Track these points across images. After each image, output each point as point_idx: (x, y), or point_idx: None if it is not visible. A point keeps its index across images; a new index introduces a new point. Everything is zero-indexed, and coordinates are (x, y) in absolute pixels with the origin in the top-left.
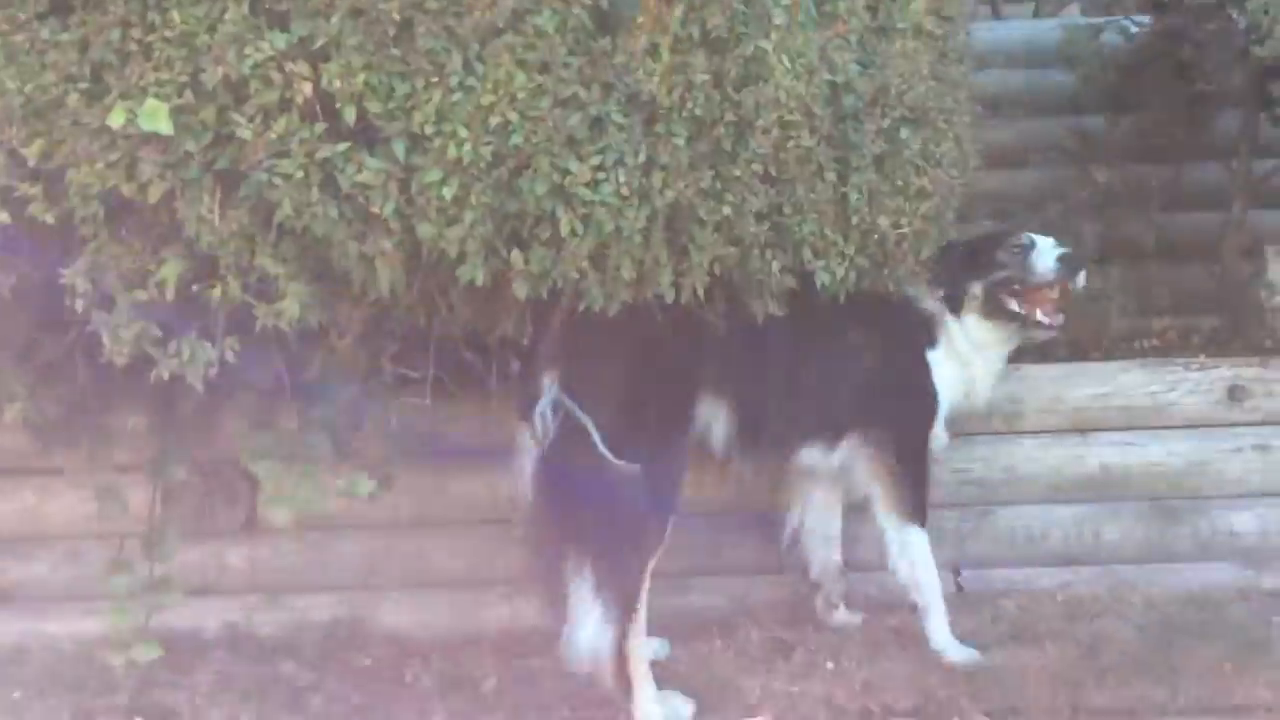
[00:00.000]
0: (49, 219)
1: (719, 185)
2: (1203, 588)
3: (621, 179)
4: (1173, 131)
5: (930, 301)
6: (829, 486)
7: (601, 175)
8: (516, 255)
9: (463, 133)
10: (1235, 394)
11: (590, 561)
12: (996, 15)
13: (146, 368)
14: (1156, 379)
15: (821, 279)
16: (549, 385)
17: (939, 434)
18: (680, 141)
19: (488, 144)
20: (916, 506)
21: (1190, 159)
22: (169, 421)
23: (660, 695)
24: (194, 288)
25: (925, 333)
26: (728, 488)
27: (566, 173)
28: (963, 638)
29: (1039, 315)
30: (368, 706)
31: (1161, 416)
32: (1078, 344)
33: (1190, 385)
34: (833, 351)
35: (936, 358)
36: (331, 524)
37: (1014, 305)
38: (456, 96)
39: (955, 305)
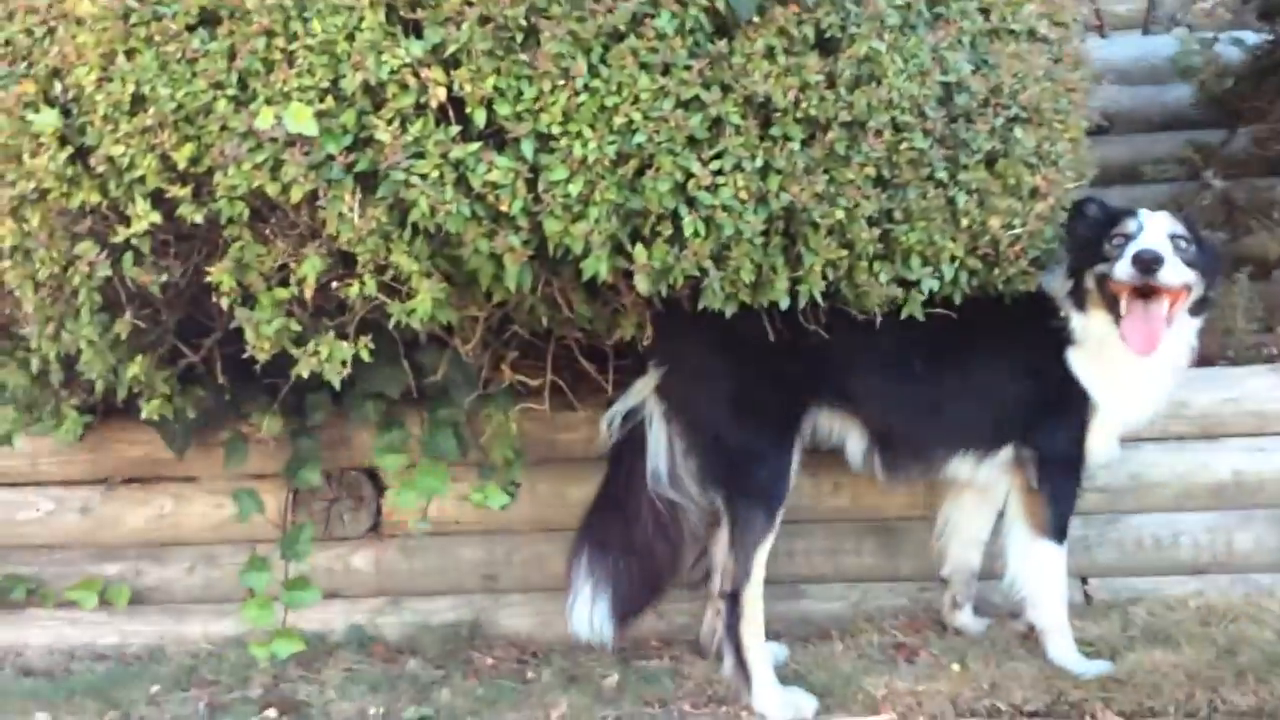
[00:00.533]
0: (198, 219)
1: (832, 189)
2: None
3: (740, 183)
4: None
5: (1059, 291)
6: (981, 491)
7: (721, 179)
8: (640, 250)
9: (587, 133)
10: None
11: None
12: (1102, 35)
13: (282, 376)
14: None
15: (928, 286)
16: (639, 386)
17: (1103, 444)
18: (795, 145)
19: (612, 143)
20: (1053, 521)
21: None
22: (301, 429)
23: (782, 689)
24: (333, 285)
25: (1062, 329)
26: (844, 495)
27: (688, 174)
28: (1091, 644)
29: (1122, 330)
30: (492, 700)
31: None
32: (1201, 351)
33: None
34: (968, 358)
35: (1079, 357)
36: (453, 529)
37: (1121, 308)
38: (581, 98)
39: (1079, 298)
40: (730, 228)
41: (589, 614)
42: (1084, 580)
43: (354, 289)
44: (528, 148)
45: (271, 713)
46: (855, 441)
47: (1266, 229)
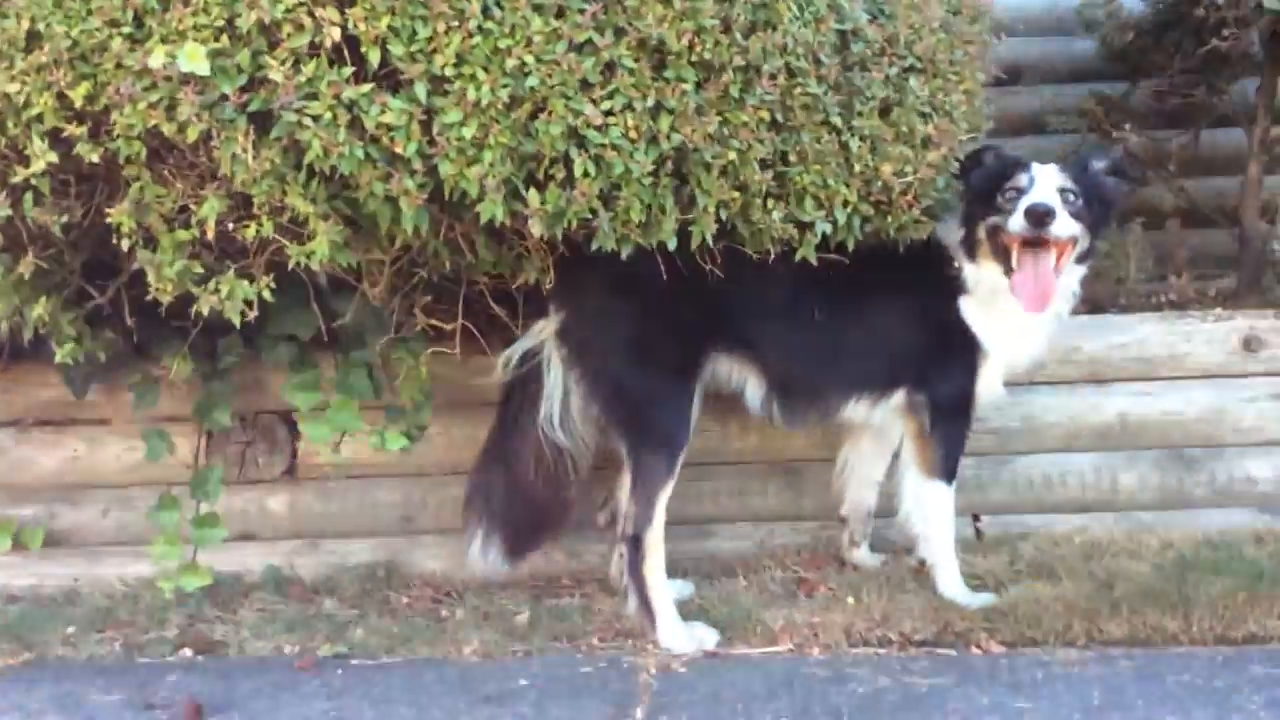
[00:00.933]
0: (94, 158)
1: (725, 131)
2: (1219, 531)
3: (630, 122)
4: (1191, 96)
5: (953, 240)
6: (877, 433)
7: (612, 119)
8: (533, 194)
9: (481, 75)
10: (1251, 344)
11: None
12: None
13: (193, 317)
14: (1173, 330)
15: (821, 228)
16: (538, 328)
17: (989, 388)
18: (689, 86)
19: (505, 86)
20: (942, 462)
21: (1209, 124)
22: (213, 372)
23: (684, 625)
24: (230, 226)
25: (955, 277)
26: (750, 437)
27: (579, 114)
28: (980, 578)
29: (1013, 286)
30: (406, 637)
31: (1177, 367)
32: (1094, 299)
33: (1205, 336)
34: (863, 304)
35: (971, 306)
36: (369, 472)
37: (1012, 260)
38: (475, 40)
39: (970, 248)
40: (620, 166)
41: (483, 556)
42: (976, 517)
43: (251, 230)
44: (421, 90)
45: (187, 652)
46: (754, 387)
47: (1163, 180)
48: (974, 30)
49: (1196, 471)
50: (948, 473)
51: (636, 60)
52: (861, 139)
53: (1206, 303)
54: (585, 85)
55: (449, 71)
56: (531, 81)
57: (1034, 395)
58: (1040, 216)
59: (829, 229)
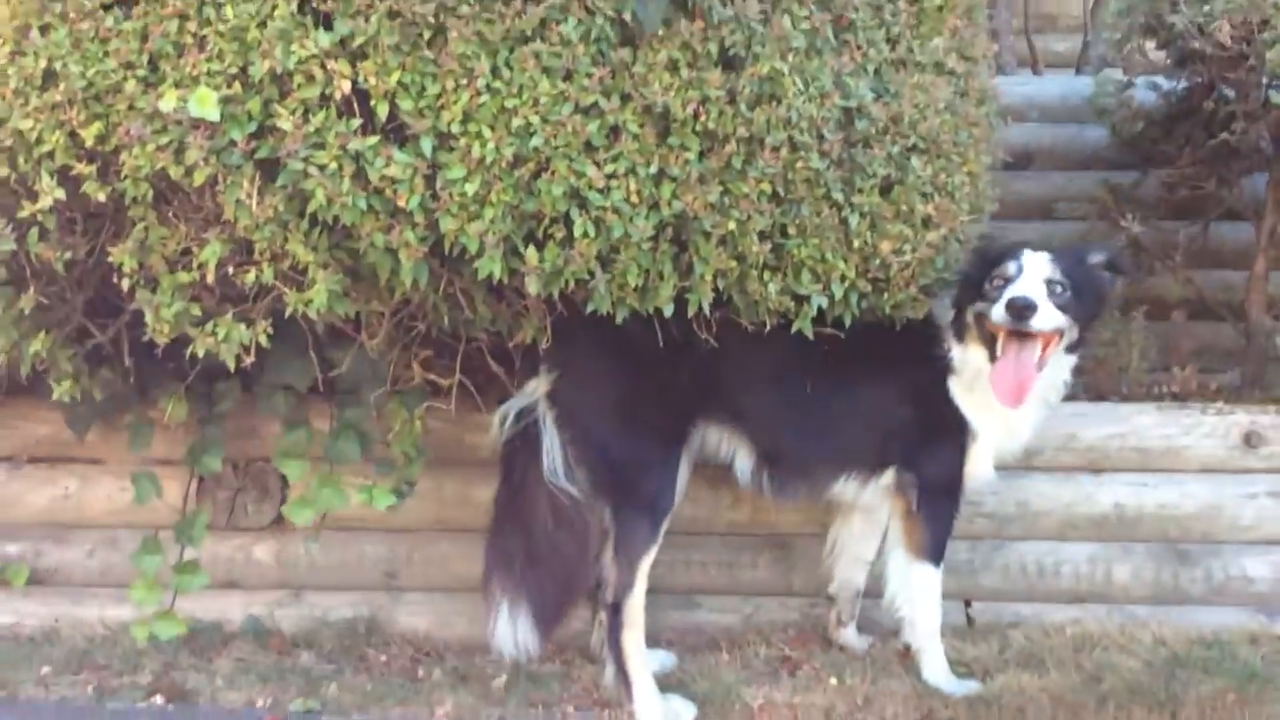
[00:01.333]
0: (101, 198)
1: (726, 200)
2: (1213, 629)
3: (632, 186)
4: (1201, 187)
5: (945, 320)
6: (868, 511)
7: (614, 182)
8: (531, 252)
9: (487, 133)
10: (1251, 440)
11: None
12: (1035, 72)
13: (191, 362)
14: (1172, 422)
15: (817, 302)
16: (531, 388)
17: (979, 470)
18: (692, 155)
19: (510, 145)
20: (930, 544)
21: (1218, 216)
22: (209, 417)
23: (662, 697)
24: (230, 271)
25: (944, 357)
26: (742, 508)
27: (582, 175)
28: (968, 665)
29: (993, 378)
30: (380, 695)
31: (1176, 459)
32: (1096, 387)
33: (1206, 429)
34: (855, 381)
35: (959, 386)
36: (356, 525)
37: (997, 348)
38: (483, 99)
39: (959, 330)
40: (620, 229)
41: (512, 631)
42: (968, 603)
43: (251, 276)
44: (427, 145)
45: (159, 699)
46: (744, 458)
47: (1170, 271)
48: (980, 113)
49: (1192, 567)
50: (935, 555)
51: (641, 126)
52: (861, 215)
53: (1209, 396)
54: (589, 148)
55: (455, 128)
56: (536, 141)
57: (1030, 481)
58: (1020, 310)
59: (825, 303)
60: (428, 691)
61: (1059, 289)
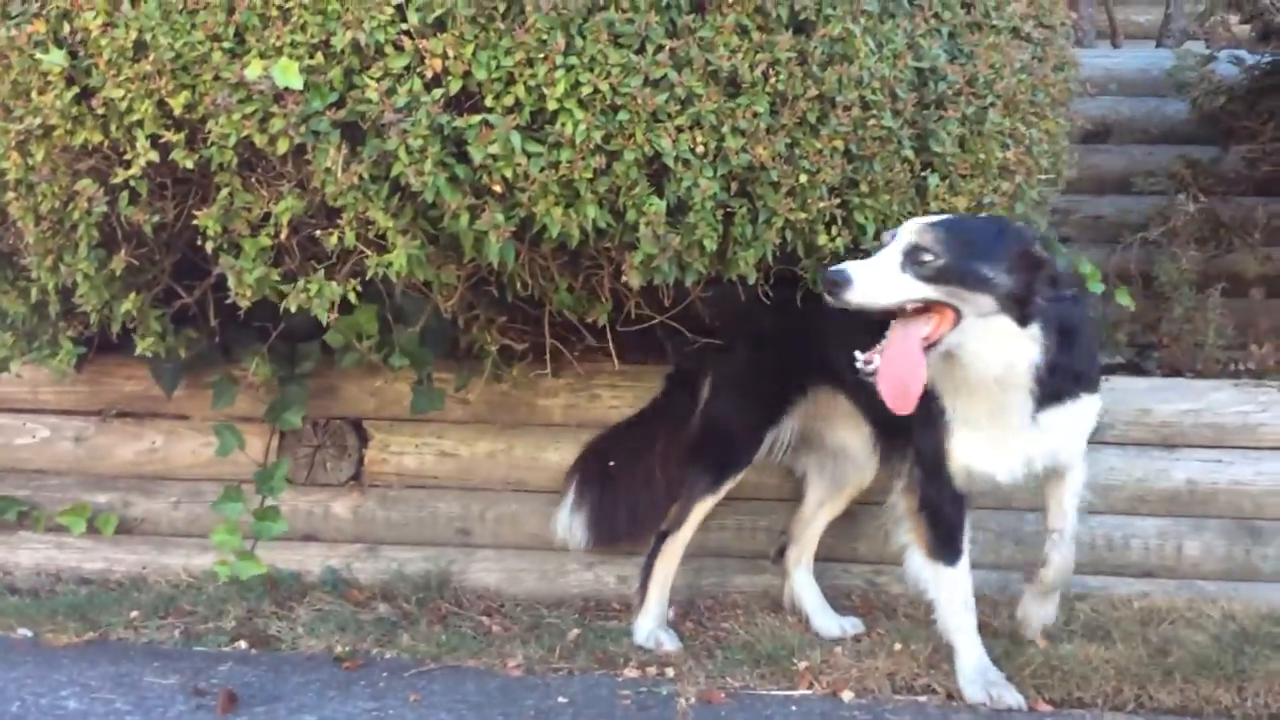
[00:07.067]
0: (189, 164)
1: (796, 153)
2: None
3: (699, 138)
4: None
5: None
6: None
7: (682, 135)
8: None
9: (577, 112)
10: None
11: None
12: (1114, 44)
13: (274, 322)
14: (1249, 399)
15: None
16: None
17: (975, 464)
18: (761, 109)
19: (599, 128)
20: (930, 543)
21: None
22: (290, 376)
23: (658, 624)
24: (315, 234)
25: None
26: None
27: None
28: None
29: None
30: (453, 646)
31: (1251, 436)
32: (1170, 362)
33: None
34: None
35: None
36: (431, 483)
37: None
38: (559, 74)
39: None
40: (688, 180)
41: (568, 522)
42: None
43: (334, 239)
44: (513, 124)
45: (242, 644)
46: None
47: (1249, 248)
48: (1058, 77)
49: (1264, 544)
50: (940, 554)
51: (707, 86)
52: (941, 177)
53: None
54: (659, 118)
55: (551, 105)
56: (622, 116)
57: (1101, 455)
58: (830, 285)
59: None
60: (499, 644)
61: (927, 256)
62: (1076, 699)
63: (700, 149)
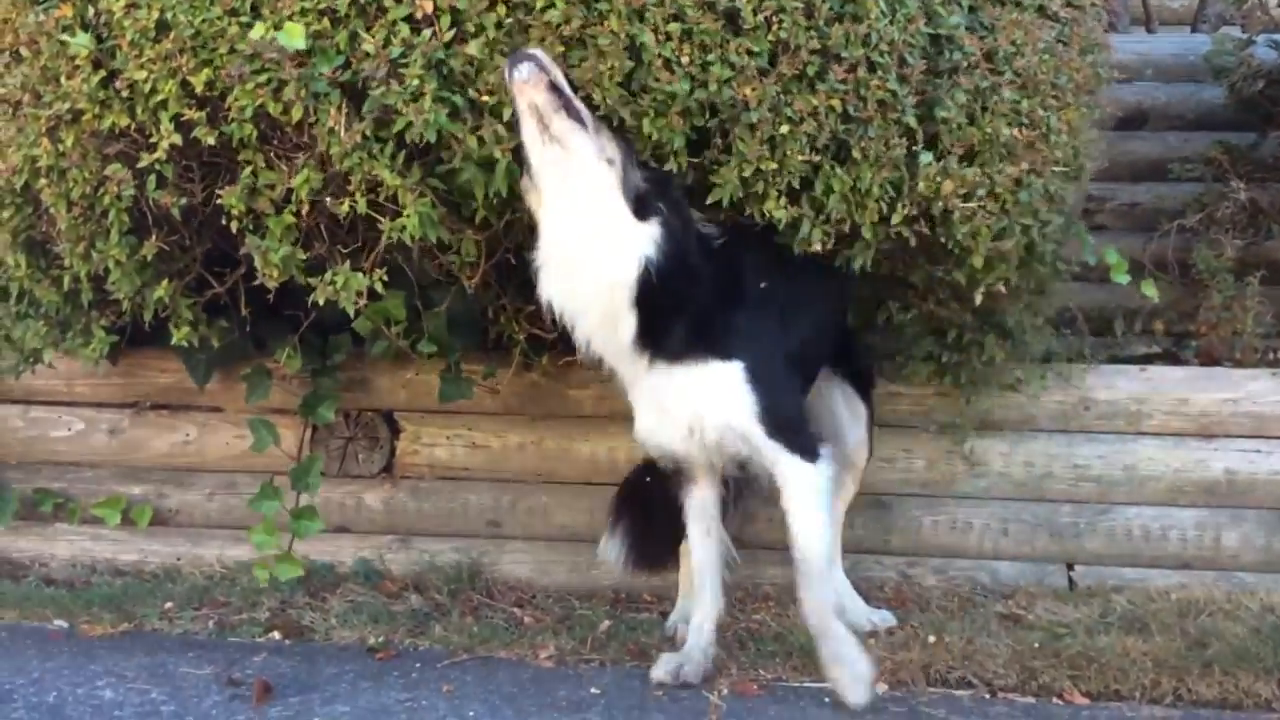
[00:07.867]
0: (210, 141)
1: (783, 100)
2: None
3: (686, 49)
4: None
5: None
6: None
7: (669, 44)
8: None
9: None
10: None
11: None
12: (1149, 29)
13: (303, 313)
14: None
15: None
16: None
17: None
18: (759, 50)
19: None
20: None
21: None
22: (322, 368)
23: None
24: (327, 201)
25: None
26: None
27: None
28: (1068, 627)
29: None
30: (485, 637)
31: None
32: (1208, 351)
33: None
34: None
35: None
36: (462, 475)
37: None
38: None
39: None
40: (667, 89)
41: (613, 546)
42: (1070, 566)
43: (345, 207)
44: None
45: (276, 634)
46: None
47: None
48: (1084, 61)
49: None
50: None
51: (701, 13)
52: (936, 156)
53: None
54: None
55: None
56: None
57: (1139, 445)
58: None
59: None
60: (531, 635)
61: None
62: (1114, 691)
63: (686, 59)
